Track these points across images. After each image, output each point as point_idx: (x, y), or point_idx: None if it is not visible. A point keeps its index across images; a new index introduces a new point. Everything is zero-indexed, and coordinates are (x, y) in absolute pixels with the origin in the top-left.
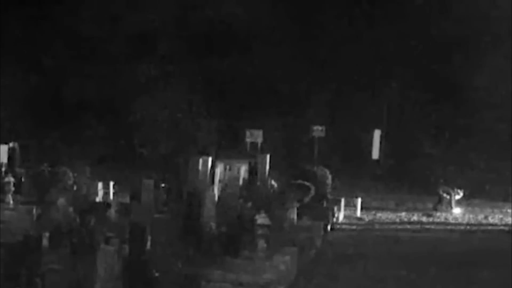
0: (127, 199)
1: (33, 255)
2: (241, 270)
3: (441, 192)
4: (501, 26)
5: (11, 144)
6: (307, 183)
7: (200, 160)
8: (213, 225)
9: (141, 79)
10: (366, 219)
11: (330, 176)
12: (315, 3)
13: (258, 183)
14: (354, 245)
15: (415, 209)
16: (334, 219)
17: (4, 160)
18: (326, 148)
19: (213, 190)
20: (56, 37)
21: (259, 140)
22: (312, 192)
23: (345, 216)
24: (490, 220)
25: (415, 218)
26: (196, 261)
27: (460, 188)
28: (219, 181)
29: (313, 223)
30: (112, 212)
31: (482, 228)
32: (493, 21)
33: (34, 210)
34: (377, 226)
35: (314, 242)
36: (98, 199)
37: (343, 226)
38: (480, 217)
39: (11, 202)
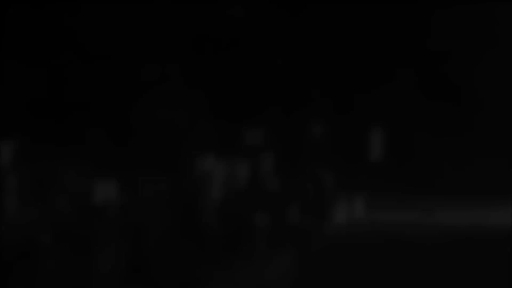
0: (127, 199)
1: (33, 255)
2: (241, 270)
3: None
4: (502, 26)
5: (11, 144)
6: (306, 183)
7: (200, 160)
8: (213, 225)
9: (141, 79)
10: (366, 219)
11: (330, 176)
12: (315, 2)
13: (258, 183)
14: (354, 245)
15: (415, 209)
16: (334, 219)
17: (4, 160)
18: (326, 148)
19: (213, 190)
20: (56, 37)
21: (259, 140)
22: (312, 192)
23: (345, 216)
24: (490, 220)
25: (415, 218)
26: (196, 261)
27: None
28: (219, 181)
29: (313, 223)
30: (112, 212)
31: (482, 228)
32: (493, 21)
33: (34, 210)
34: (377, 226)
35: (314, 242)
36: (98, 199)
37: (343, 226)
38: (480, 217)
39: (11, 202)
